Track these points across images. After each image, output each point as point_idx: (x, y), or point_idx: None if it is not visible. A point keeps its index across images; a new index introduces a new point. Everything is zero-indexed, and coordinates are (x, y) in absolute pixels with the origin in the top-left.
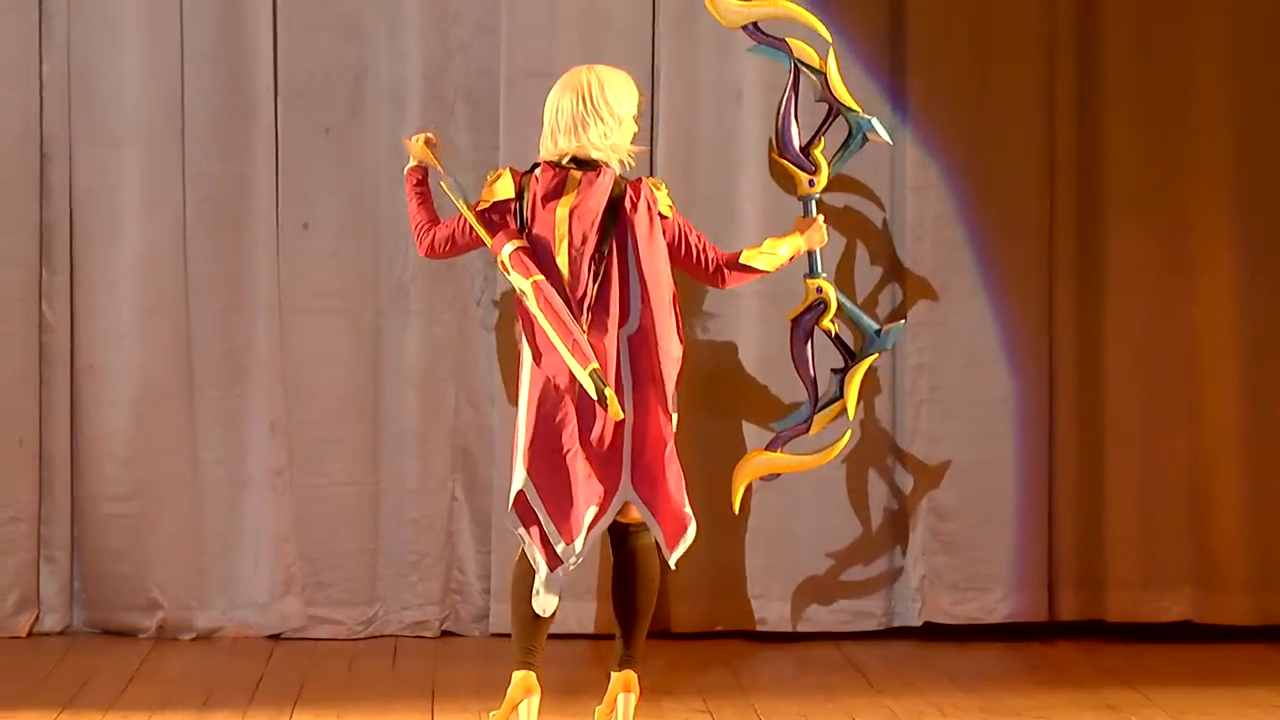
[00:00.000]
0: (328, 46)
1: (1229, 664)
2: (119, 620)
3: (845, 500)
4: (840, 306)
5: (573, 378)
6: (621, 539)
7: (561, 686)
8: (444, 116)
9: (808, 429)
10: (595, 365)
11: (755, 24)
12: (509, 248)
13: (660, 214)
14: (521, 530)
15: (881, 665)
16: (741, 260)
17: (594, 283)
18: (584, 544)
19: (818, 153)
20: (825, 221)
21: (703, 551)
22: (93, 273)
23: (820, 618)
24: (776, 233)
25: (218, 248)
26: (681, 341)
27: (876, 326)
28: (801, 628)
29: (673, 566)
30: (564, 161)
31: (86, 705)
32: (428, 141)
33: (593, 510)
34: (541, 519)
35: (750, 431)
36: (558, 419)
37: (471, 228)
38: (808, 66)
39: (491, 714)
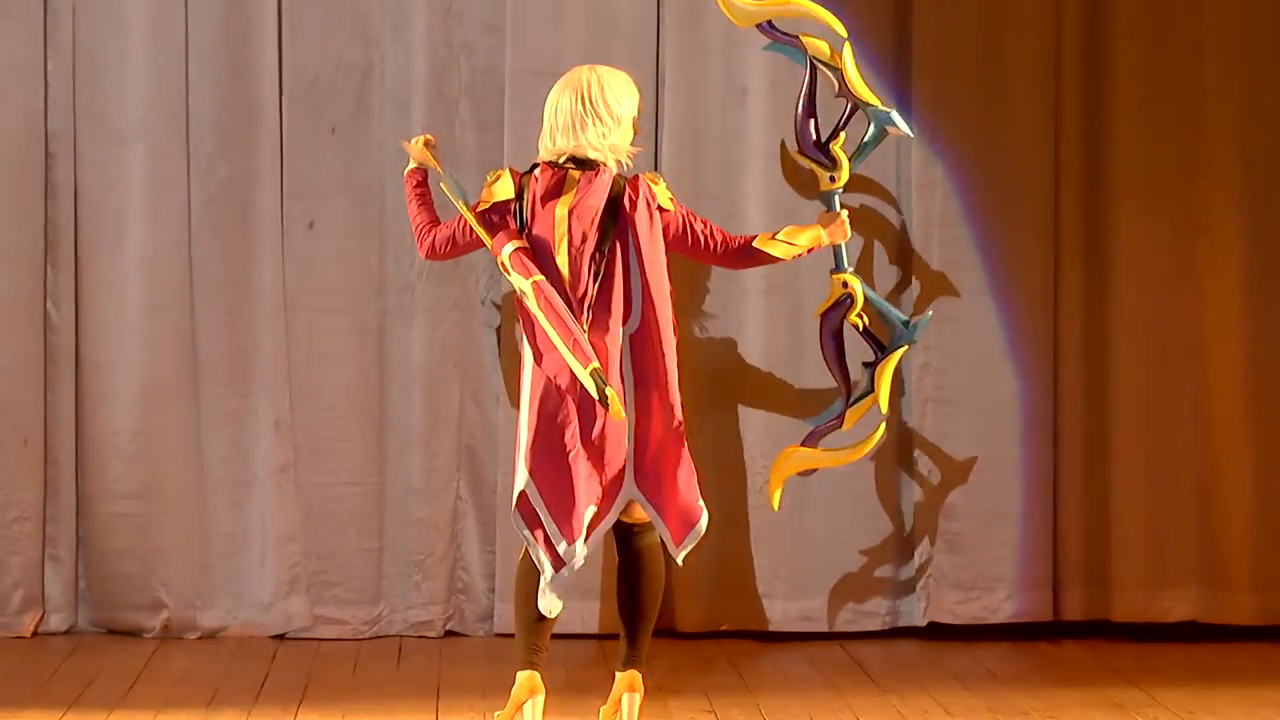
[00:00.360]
0: (333, 46)
1: (1235, 663)
2: (124, 620)
3: (851, 500)
4: (867, 300)
5: (574, 378)
6: (626, 538)
7: (566, 686)
8: (449, 116)
9: (840, 424)
10: (596, 365)
11: (769, 22)
12: (509, 248)
13: (660, 207)
14: (525, 531)
15: (887, 665)
16: (756, 244)
17: (595, 282)
18: (587, 544)
19: (837, 149)
20: (849, 217)
21: (708, 551)
22: (98, 271)
23: (825, 617)
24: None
25: (223, 247)
26: (675, 333)
27: (905, 318)
28: (807, 627)
29: (679, 563)
30: (562, 161)
31: (91, 705)
32: (427, 143)
33: (592, 510)
34: (544, 519)
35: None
36: (559, 419)
37: (472, 228)
38: (824, 63)
39: (496, 714)
